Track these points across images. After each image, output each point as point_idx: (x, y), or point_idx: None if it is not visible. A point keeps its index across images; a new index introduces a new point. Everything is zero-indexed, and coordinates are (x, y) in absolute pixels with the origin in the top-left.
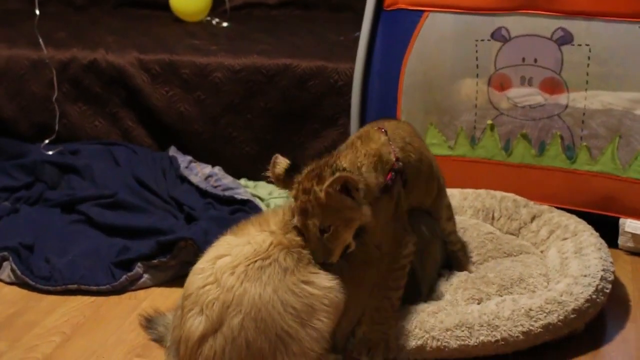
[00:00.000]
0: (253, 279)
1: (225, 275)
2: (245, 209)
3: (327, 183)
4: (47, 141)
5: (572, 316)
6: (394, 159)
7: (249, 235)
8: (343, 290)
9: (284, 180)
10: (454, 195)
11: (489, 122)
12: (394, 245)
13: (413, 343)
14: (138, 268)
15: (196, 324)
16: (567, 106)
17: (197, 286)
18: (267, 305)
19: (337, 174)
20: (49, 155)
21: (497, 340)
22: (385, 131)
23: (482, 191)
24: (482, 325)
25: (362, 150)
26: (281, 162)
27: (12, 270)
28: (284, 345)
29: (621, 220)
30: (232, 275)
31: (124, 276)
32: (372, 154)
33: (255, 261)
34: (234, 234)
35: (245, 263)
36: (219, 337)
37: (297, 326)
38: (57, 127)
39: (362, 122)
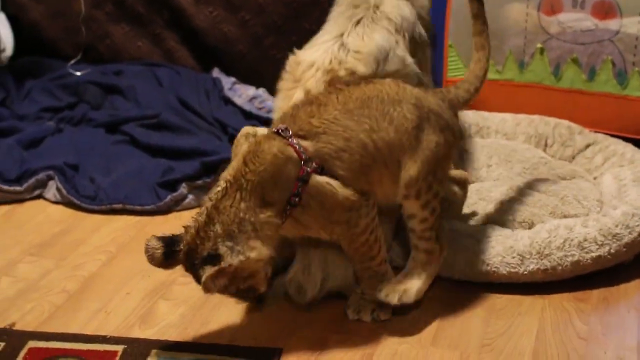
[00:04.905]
0: None
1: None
2: None
3: (203, 279)
4: (73, 61)
5: (624, 250)
6: (301, 162)
7: None
8: None
9: (166, 262)
10: (506, 120)
11: (539, 45)
12: (341, 227)
13: (463, 262)
14: (182, 188)
15: None
16: (618, 32)
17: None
18: None
19: (208, 273)
20: (89, 75)
21: (546, 269)
22: (281, 130)
23: (535, 117)
24: (532, 254)
25: (238, 195)
26: (156, 248)
27: (58, 189)
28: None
29: None
30: None
31: (169, 196)
32: (259, 181)
33: None
34: None
35: None
36: None
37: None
38: (84, 48)
39: None
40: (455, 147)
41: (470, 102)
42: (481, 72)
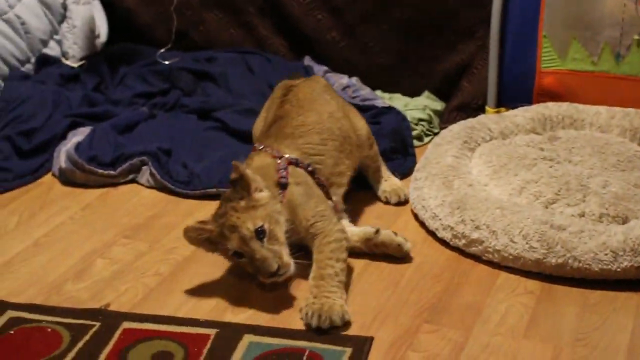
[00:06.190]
0: None
1: None
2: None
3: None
4: (162, 50)
5: None
6: (276, 160)
7: None
8: None
9: (201, 230)
10: (601, 112)
11: (636, 37)
12: (322, 222)
13: (553, 260)
14: None
15: None
16: None
17: None
18: None
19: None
20: (180, 62)
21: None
22: (259, 145)
23: (630, 110)
24: (626, 251)
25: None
26: (190, 225)
27: (152, 174)
28: None
29: None
30: None
31: None
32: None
33: None
34: None
35: None
36: None
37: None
38: (174, 37)
39: (502, 35)
40: None
41: None
42: None
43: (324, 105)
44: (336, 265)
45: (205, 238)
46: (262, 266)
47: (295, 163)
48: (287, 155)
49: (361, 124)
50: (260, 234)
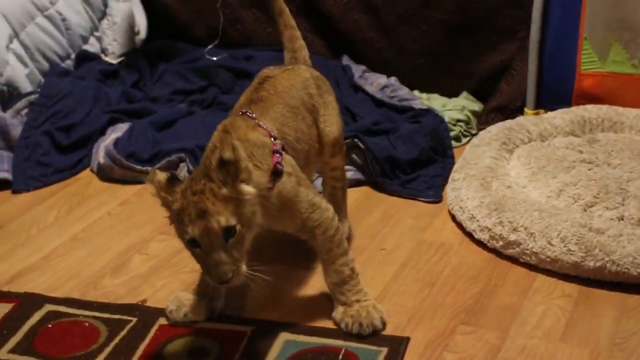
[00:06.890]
0: None
1: None
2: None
3: (224, 152)
4: (210, 46)
5: None
6: (271, 140)
7: None
8: None
9: (166, 189)
10: None
11: None
12: (317, 213)
13: (591, 264)
14: None
15: None
16: None
17: None
18: None
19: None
20: (221, 59)
21: None
22: (251, 114)
23: None
24: None
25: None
26: (160, 174)
27: (189, 171)
28: None
29: None
30: None
31: None
32: (246, 140)
33: None
34: None
35: None
36: None
37: None
38: (220, 33)
39: (543, 36)
40: None
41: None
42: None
43: (299, 107)
44: (348, 261)
45: (166, 201)
46: (215, 271)
47: (285, 149)
48: (278, 140)
49: (332, 129)
50: (228, 233)
